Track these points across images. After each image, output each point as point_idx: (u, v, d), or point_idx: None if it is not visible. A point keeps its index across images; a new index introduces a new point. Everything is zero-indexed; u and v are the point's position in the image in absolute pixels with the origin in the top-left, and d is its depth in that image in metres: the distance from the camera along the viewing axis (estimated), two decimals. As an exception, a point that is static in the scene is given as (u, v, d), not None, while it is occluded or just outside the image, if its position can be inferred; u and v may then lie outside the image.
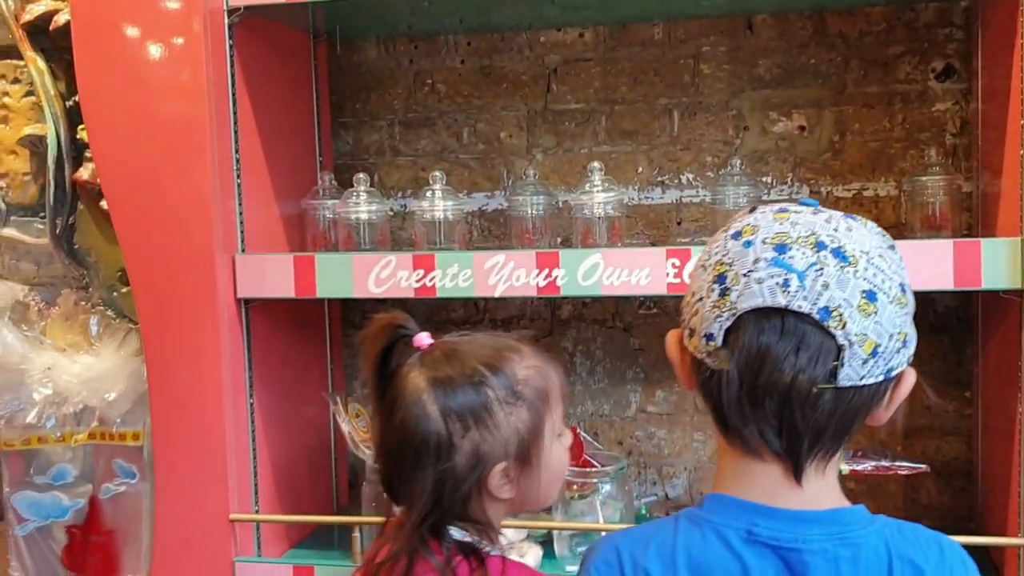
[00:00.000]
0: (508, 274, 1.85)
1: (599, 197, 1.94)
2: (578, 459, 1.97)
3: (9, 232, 2.32)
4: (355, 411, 2.07)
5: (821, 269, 0.96)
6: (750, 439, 1.00)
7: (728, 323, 0.98)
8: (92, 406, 2.08)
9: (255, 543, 2.00)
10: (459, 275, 1.87)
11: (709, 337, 1.00)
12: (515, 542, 1.98)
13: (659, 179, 2.31)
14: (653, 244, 2.30)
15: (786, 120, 2.25)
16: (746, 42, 2.26)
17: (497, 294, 1.86)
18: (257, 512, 2.00)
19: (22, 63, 2.25)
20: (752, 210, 1.04)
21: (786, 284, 0.95)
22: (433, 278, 1.88)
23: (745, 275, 0.97)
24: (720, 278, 1.00)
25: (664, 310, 2.33)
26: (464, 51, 2.40)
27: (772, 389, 0.95)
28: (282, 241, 2.17)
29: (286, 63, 2.21)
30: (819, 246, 0.97)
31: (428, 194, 2.05)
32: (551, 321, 2.40)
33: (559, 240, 2.16)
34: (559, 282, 1.83)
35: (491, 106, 2.39)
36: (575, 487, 1.95)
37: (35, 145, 2.22)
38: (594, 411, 2.39)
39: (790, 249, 0.97)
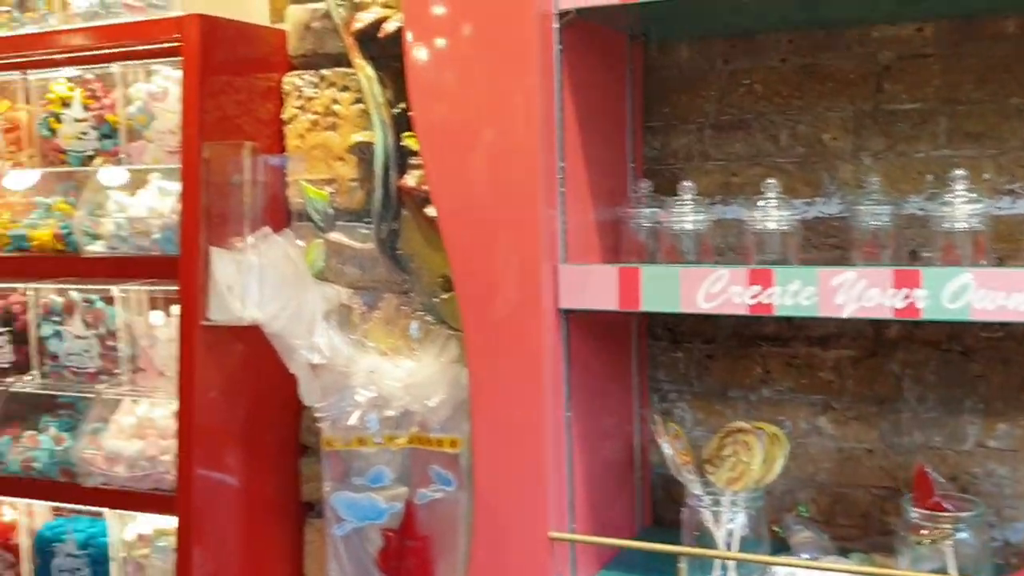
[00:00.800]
0: (859, 293, 1.69)
1: (963, 208, 1.74)
2: (926, 500, 1.78)
3: (336, 236, 2.39)
4: (673, 431, 1.97)
5: None
6: None
7: None
8: (413, 411, 2.09)
9: (570, 563, 1.94)
10: (800, 292, 1.73)
11: None
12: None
13: (1009, 187, 2.07)
14: (1001, 261, 2.06)
15: None
16: (1121, 34, 1.98)
17: (845, 315, 1.70)
18: (573, 531, 1.94)
19: (351, 71, 2.30)
20: None
21: None
22: (771, 295, 1.75)
23: None
24: None
25: (1011, 334, 2.08)
26: (785, 49, 2.24)
27: None
28: (596, 250, 2.10)
29: (604, 66, 2.15)
30: None
31: (761, 203, 1.92)
32: (874, 341, 2.20)
33: (904, 254, 1.97)
34: (920, 304, 1.65)
35: (813, 107, 2.22)
36: (924, 532, 1.76)
37: (363, 152, 2.27)
38: (922, 443, 2.17)
39: None
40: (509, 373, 1.92)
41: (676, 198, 2.00)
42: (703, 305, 1.80)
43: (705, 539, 1.92)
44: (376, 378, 2.12)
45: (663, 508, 2.32)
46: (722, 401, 2.30)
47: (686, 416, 2.34)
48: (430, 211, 2.13)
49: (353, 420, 2.13)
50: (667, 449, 1.93)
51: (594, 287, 1.89)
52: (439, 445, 2.11)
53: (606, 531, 2.09)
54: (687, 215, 1.95)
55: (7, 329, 2.46)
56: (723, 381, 2.30)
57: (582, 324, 2.00)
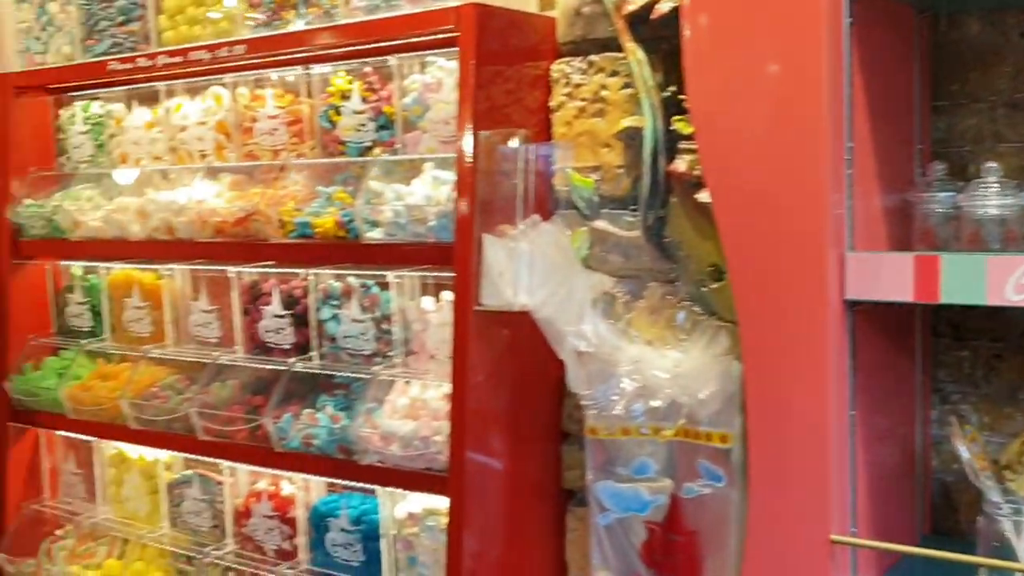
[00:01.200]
0: None
1: None
2: None
3: (601, 224, 2.37)
4: (969, 434, 1.82)
5: None
6: None
7: None
8: (680, 403, 2.04)
9: (851, 568, 1.84)
10: (1124, 284, 1.56)
11: None
12: None
13: None
14: None
15: None
16: None
17: None
18: (854, 535, 1.83)
19: (620, 56, 2.27)
20: None
21: None
22: (1090, 286, 1.58)
23: None
24: None
25: None
26: (1092, 19, 2.03)
27: None
28: (882, 237, 1.97)
29: (891, 42, 2.02)
30: None
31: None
32: None
33: None
34: None
35: None
36: None
37: (631, 138, 2.24)
38: None
39: None
40: (789, 368, 1.83)
41: (979, 180, 1.84)
42: (1013, 297, 1.64)
43: (1004, 551, 1.76)
44: (642, 368, 2.08)
45: (942, 516, 2.17)
46: (1012, 404, 2.11)
47: (971, 419, 2.16)
48: (701, 197, 2.06)
49: (618, 409, 2.10)
50: (964, 453, 1.78)
51: (886, 277, 1.76)
52: (708, 439, 2.04)
53: (886, 537, 1.95)
54: (992, 199, 1.79)
55: (289, 312, 2.59)
56: (1013, 382, 2.11)
57: (866, 317, 1.89)
